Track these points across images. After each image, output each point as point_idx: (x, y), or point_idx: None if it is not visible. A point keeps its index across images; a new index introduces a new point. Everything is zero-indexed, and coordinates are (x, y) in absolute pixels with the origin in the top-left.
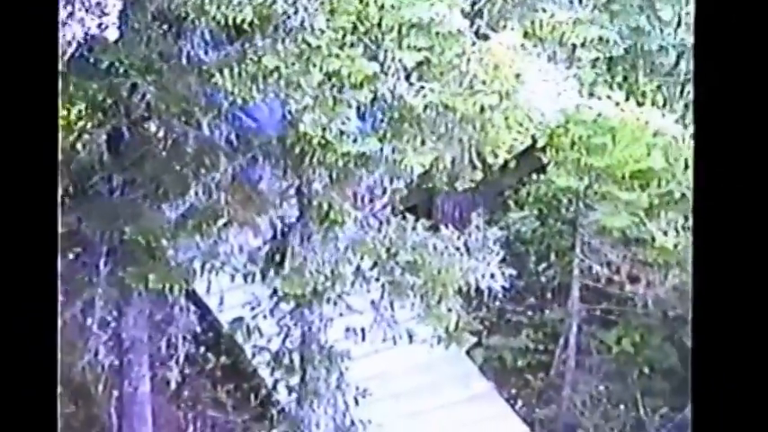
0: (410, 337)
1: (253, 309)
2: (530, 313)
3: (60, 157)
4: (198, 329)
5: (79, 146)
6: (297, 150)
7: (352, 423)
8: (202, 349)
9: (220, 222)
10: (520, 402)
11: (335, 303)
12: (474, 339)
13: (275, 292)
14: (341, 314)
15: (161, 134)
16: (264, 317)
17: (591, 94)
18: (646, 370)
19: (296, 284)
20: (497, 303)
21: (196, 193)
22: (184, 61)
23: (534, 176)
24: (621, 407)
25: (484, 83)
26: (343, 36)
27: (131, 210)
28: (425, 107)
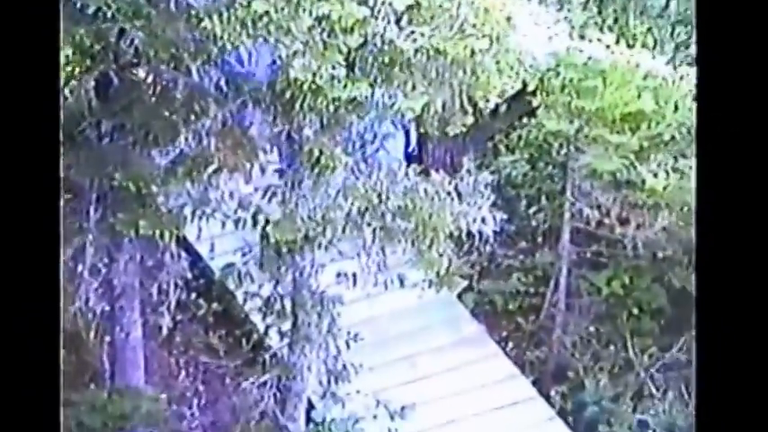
0: (401, 281)
1: (244, 255)
2: (520, 257)
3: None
4: (189, 276)
5: (67, 92)
6: (287, 96)
7: (344, 367)
8: (194, 295)
9: (211, 169)
10: (511, 345)
11: (326, 249)
12: (465, 283)
13: (266, 237)
14: (332, 259)
15: (150, 80)
16: (256, 263)
17: (581, 37)
18: (635, 311)
19: (287, 230)
20: (488, 247)
21: (186, 140)
22: (173, 6)
23: (525, 120)
24: (611, 347)
25: (474, 26)
26: None
27: (121, 156)
28: (416, 51)
